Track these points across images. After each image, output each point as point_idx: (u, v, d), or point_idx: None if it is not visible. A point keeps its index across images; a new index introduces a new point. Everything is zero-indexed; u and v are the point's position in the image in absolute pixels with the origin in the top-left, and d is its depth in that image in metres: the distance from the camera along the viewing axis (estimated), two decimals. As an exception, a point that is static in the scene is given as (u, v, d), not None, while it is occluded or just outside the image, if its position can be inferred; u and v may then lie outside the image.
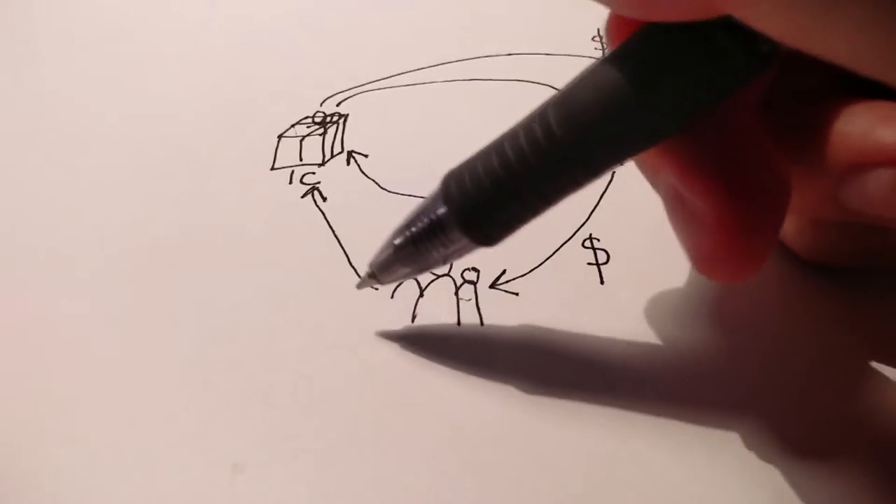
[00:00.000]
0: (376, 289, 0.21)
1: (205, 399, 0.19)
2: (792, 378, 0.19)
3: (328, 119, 0.27)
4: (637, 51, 0.14)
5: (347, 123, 0.27)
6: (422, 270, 0.19)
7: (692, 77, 0.14)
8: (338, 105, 0.28)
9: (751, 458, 0.17)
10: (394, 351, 0.20)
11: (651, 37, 0.14)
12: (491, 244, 0.17)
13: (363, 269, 0.22)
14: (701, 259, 0.16)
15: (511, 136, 0.16)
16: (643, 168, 0.17)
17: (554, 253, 0.22)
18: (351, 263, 0.22)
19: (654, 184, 0.17)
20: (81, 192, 0.25)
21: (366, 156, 0.26)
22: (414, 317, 0.21)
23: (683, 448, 0.17)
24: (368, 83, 0.29)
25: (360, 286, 0.20)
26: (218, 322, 0.21)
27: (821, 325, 0.20)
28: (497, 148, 0.16)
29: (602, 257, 0.22)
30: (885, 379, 0.18)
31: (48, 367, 0.20)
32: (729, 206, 0.15)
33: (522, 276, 0.21)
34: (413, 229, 0.18)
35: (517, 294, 0.21)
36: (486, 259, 0.22)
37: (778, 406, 0.18)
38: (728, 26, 0.13)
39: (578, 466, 0.17)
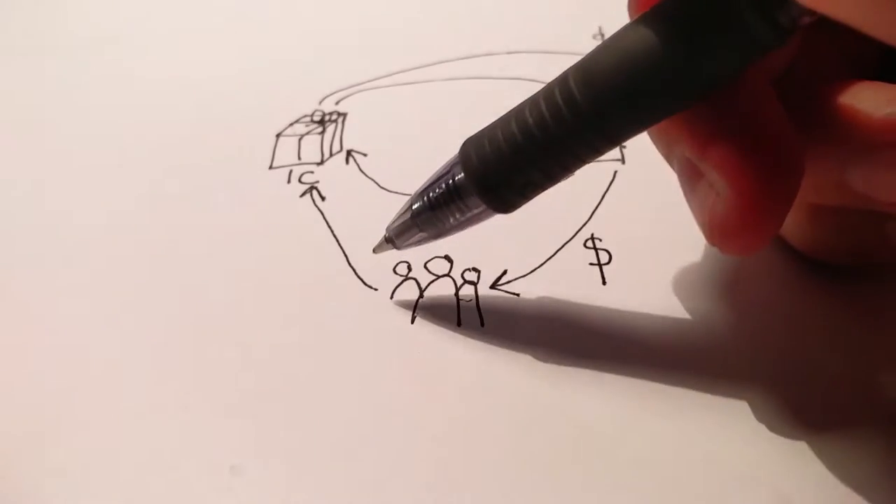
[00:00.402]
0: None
1: (202, 400, 0.19)
2: (787, 378, 0.18)
3: (327, 118, 0.27)
4: (661, 19, 0.14)
5: (346, 122, 0.27)
6: (438, 236, 0.19)
7: (716, 45, 0.14)
8: (337, 104, 0.28)
9: (756, 449, 0.17)
10: (393, 351, 0.20)
11: (675, 6, 0.14)
12: (508, 210, 0.17)
13: (362, 270, 0.22)
14: (715, 229, 0.16)
15: (531, 103, 0.16)
16: (658, 141, 0.17)
17: (555, 253, 0.22)
18: (349, 263, 0.22)
19: (669, 158, 0.18)
20: (79, 191, 0.25)
21: (365, 155, 0.26)
22: (414, 317, 0.20)
23: (685, 445, 0.17)
24: (367, 81, 0.29)
25: (376, 250, 0.20)
26: (215, 321, 0.21)
27: (818, 320, 0.20)
28: (517, 115, 0.16)
29: (604, 257, 0.22)
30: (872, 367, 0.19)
31: (46, 367, 0.20)
32: (745, 175, 0.15)
33: (524, 276, 0.21)
34: (431, 194, 0.18)
35: (518, 294, 0.21)
36: (486, 259, 0.22)
37: (775, 401, 0.18)
38: None
39: (580, 466, 0.17)
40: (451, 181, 0.17)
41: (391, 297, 0.21)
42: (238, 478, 0.17)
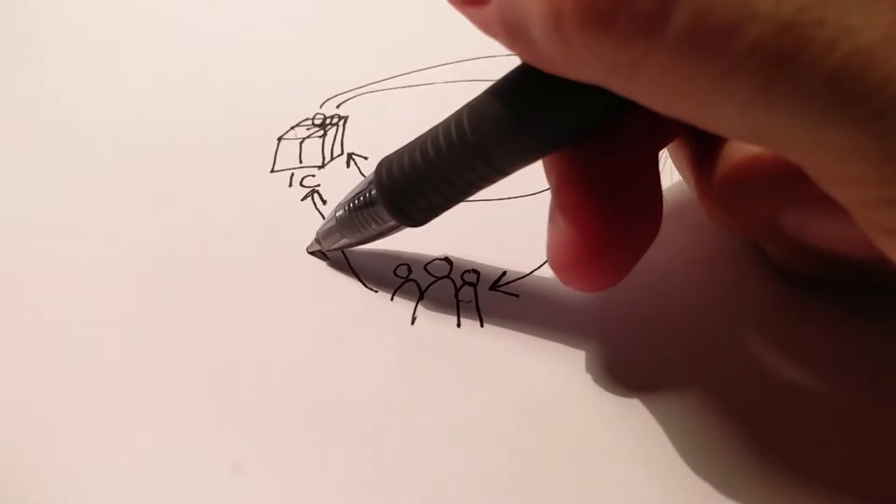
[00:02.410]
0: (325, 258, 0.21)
1: (204, 399, 0.19)
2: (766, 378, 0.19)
3: (328, 121, 0.27)
4: (526, 80, 0.16)
5: (347, 125, 0.27)
6: (361, 241, 0.21)
7: (571, 104, 0.15)
8: (337, 107, 0.28)
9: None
10: (394, 352, 0.20)
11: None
12: (415, 225, 0.19)
13: (363, 272, 0.22)
14: (550, 260, 0.17)
15: (433, 136, 0.18)
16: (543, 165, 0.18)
17: (554, 254, 0.22)
18: (350, 265, 0.22)
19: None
20: (81, 196, 0.25)
21: (366, 158, 0.26)
22: (414, 318, 0.21)
23: (686, 445, 0.17)
24: (368, 85, 0.29)
25: (308, 249, 0.22)
26: (218, 324, 0.21)
27: (790, 334, 0.19)
28: (421, 145, 0.18)
29: (602, 259, 0.22)
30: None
31: (49, 368, 0.20)
32: (581, 221, 0.16)
33: (523, 277, 0.21)
34: (351, 205, 0.20)
35: (517, 296, 0.21)
36: (486, 260, 0.22)
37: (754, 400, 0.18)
38: None
39: (581, 465, 0.17)
40: (366, 196, 0.20)
41: (391, 299, 0.21)
42: (239, 477, 0.18)
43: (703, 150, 0.17)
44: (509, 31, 0.14)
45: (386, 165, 0.19)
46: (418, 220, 0.19)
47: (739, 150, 0.16)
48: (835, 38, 0.10)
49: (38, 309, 0.22)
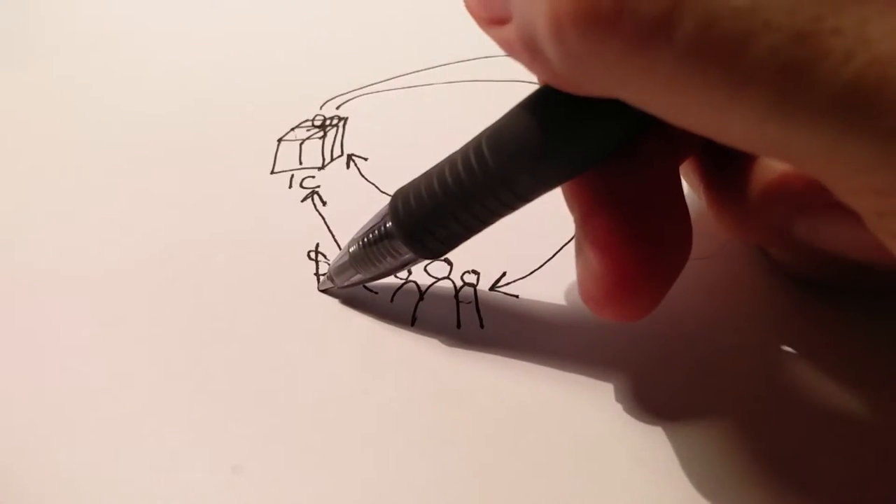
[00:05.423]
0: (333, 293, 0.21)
1: (204, 400, 0.19)
2: (768, 382, 0.19)
3: (328, 122, 0.27)
4: (547, 102, 0.15)
5: (347, 126, 0.27)
6: (376, 277, 0.20)
7: (594, 124, 0.15)
8: (337, 108, 0.28)
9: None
10: (393, 353, 0.20)
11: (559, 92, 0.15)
12: (433, 257, 0.19)
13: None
14: (584, 297, 0.17)
15: (450, 164, 0.17)
16: (566, 203, 0.18)
17: (554, 255, 0.22)
18: (351, 266, 0.22)
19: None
20: (80, 197, 0.25)
21: (365, 159, 0.26)
22: (414, 319, 0.21)
23: (686, 448, 0.17)
24: (368, 86, 0.29)
25: (320, 287, 0.22)
26: (218, 324, 0.21)
27: (797, 336, 0.19)
28: (438, 173, 0.17)
29: (602, 259, 0.22)
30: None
31: (49, 369, 0.20)
32: (613, 254, 0.16)
33: (522, 278, 0.21)
34: (365, 240, 0.19)
35: (517, 296, 0.21)
36: (486, 261, 0.22)
37: (751, 405, 0.18)
38: None
39: (579, 467, 0.17)
40: (382, 229, 0.19)
41: (391, 299, 0.21)
42: (239, 477, 0.18)
43: (714, 163, 0.17)
44: (528, 49, 0.14)
45: (401, 197, 0.18)
46: (437, 251, 0.18)
47: (758, 166, 0.16)
48: (851, 48, 0.10)
49: (38, 309, 0.22)
